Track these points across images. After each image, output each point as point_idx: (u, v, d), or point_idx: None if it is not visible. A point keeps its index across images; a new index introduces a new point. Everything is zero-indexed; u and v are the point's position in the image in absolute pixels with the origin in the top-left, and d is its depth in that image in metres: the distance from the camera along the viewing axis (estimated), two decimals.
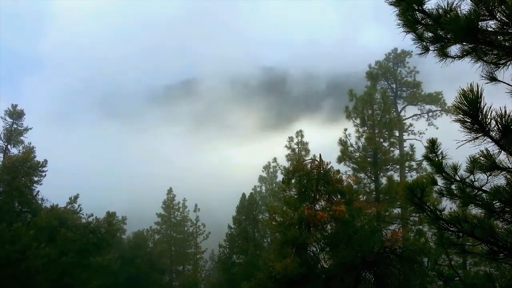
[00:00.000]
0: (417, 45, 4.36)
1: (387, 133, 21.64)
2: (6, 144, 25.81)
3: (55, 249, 21.30)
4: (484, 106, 3.50)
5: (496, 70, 3.94)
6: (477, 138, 3.67)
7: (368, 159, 21.47)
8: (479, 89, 3.48)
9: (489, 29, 3.74)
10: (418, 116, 34.27)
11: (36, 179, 24.68)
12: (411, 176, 23.30)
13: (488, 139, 3.69)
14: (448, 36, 4.05)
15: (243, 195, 30.21)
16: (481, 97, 3.48)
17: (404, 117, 33.67)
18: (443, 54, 4.22)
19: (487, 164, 3.97)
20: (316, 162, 17.25)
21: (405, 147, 26.83)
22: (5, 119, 25.96)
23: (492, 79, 3.94)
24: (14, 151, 25.80)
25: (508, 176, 4.05)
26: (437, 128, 33.03)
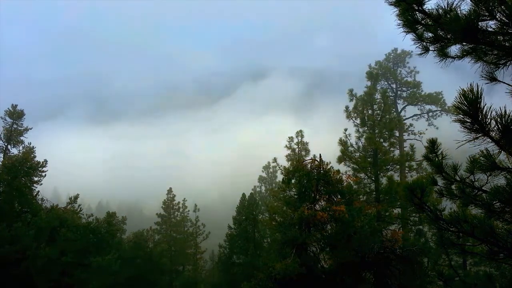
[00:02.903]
0: (417, 45, 4.36)
1: (387, 133, 21.62)
2: (6, 144, 25.80)
3: (55, 249, 21.29)
4: (484, 106, 3.50)
5: (496, 70, 3.94)
6: (477, 138, 3.66)
7: (368, 159, 21.46)
8: (479, 89, 3.47)
9: (489, 29, 3.74)
10: (418, 116, 34.29)
11: (36, 179, 24.68)
12: (411, 176, 23.29)
13: (488, 139, 3.68)
14: (448, 36, 4.05)
15: (243, 195, 30.19)
16: (481, 97, 3.47)
17: (404, 117, 33.69)
18: (443, 54, 4.22)
19: (487, 164, 3.96)
20: (316, 162, 17.25)
21: (405, 147, 26.82)
22: (5, 119, 25.96)
23: (492, 79, 3.94)
24: (14, 151, 25.82)
25: (508, 176, 4.04)
26: (437, 128, 33.06)
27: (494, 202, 4.20)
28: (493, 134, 3.63)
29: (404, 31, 4.31)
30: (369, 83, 22.70)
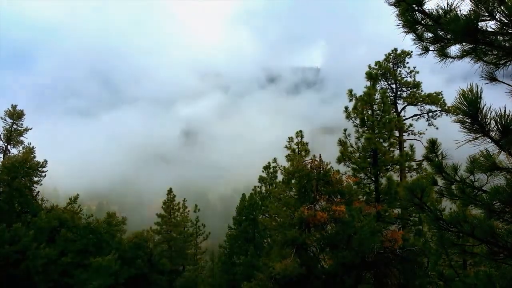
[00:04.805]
0: (417, 45, 4.37)
1: (386, 133, 21.60)
2: (6, 144, 25.79)
3: (55, 250, 21.29)
4: (483, 107, 3.50)
5: (496, 70, 3.95)
6: (477, 138, 3.66)
7: (368, 160, 21.44)
8: (479, 90, 3.48)
9: (489, 29, 3.75)
10: (418, 116, 34.23)
11: (36, 179, 24.68)
12: (411, 176, 23.29)
13: (488, 140, 3.68)
14: (448, 37, 4.05)
15: (243, 195, 30.21)
16: (480, 98, 3.48)
17: (404, 117, 33.65)
18: (443, 54, 4.23)
19: (487, 164, 3.96)
20: (316, 162, 17.26)
21: (405, 147, 26.81)
22: (5, 120, 25.95)
23: (492, 79, 3.95)
24: (14, 151, 25.80)
25: (508, 176, 4.04)
26: (437, 128, 33.02)
27: (494, 202, 4.20)
28: (492, 134, 3.63)
29: (404, 31, 4.31)
30: (368, 83, 22.67)
